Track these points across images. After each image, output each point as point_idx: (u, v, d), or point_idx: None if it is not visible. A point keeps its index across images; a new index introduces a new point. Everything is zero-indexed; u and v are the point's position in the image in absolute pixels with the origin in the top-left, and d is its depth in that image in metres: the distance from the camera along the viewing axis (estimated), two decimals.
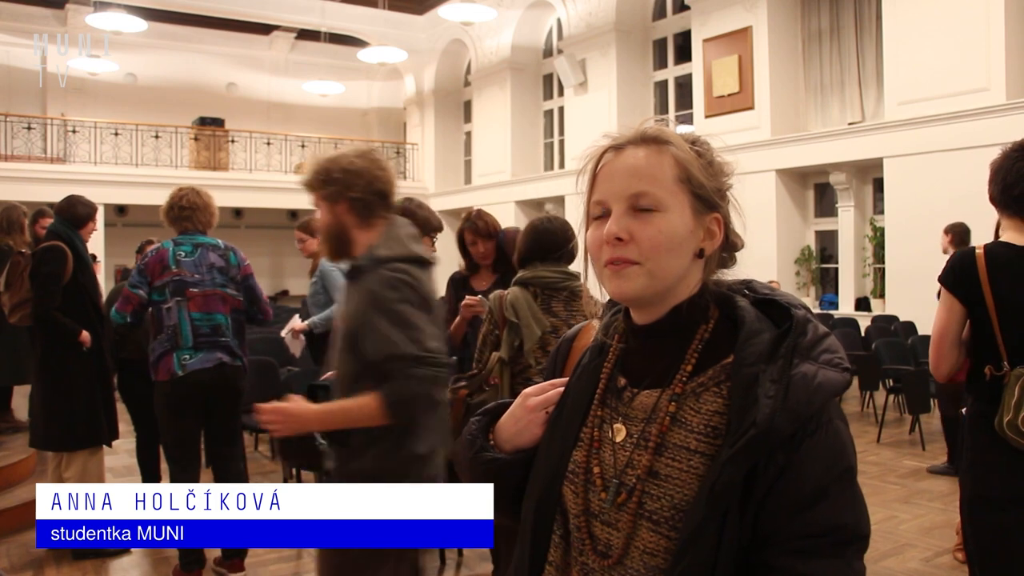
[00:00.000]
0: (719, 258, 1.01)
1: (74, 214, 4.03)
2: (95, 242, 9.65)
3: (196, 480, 3.58)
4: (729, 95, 10.92)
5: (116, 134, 15.14)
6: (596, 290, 1.05)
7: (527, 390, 1.10)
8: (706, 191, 0.97)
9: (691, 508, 0.89)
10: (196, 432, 3.60)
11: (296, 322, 4.78)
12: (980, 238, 2.60)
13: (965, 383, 2.37)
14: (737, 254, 1.03)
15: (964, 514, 2.34)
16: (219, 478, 3.70)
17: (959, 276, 2.26)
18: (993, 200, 2.32)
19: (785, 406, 0.87)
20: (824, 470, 0.88)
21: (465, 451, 1.11)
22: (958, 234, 6.38)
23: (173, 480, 3.58)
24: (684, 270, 0.97)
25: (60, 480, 3.94)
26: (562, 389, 1.08)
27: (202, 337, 3.46)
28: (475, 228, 3.48)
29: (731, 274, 1.03)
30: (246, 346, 3.68)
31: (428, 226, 3.17)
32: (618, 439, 0.99)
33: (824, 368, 0.90)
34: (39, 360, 3.94)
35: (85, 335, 3.83)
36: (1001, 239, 2.30)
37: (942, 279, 2.31)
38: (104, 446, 4.07)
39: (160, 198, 3.84)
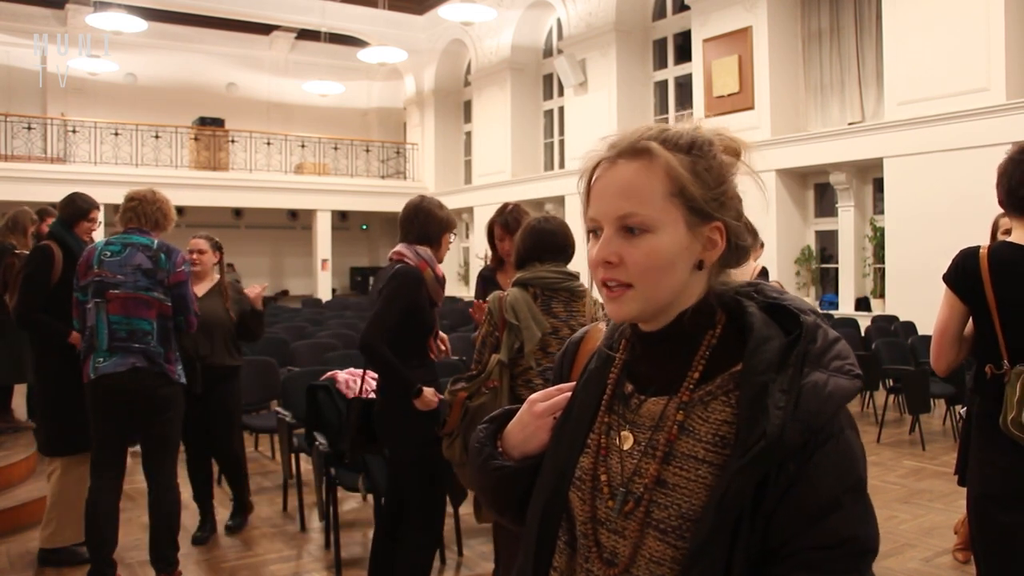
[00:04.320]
0: (724, 261, 0.98)
1: (70, 211, 3.93)
2: None
3: (113, 490, 3.43)
4: (729, 95, 10.91)
5: (116, 134, 15.15)
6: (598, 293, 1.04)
7: (533, 396, 1.09)
8: (700, 203, 0.93)
9: (700, 519, 0.88)
10: (115, 438, 3.42)
11: None
12: (981, 239, 2.62)
13: (972, 384, 2.40)
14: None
15: (971, 513, 2.36)
16: (150, 503, 3.49)
17: (961, 274, 2.30)
18: (1002, 203, 2.37)
19: (796, 416, 0.85)
20: (836, 481, 0.86)
21: (473, 459, 1.11)
22: None
23: (90, 488, 3.44)
24: (682, 284, 0.95)
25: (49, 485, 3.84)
26: (569, 394, 1.07)
27: (118, 341, 3.28)
28: (505, 224, 3.43)
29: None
30: (171, 352, 3.42)
31: (449, 225, 3.17)
32: (625, 447, 0.97)
33: (835, 376, 0.88)
34: (34, 362, 3.85)
35: (75, 336, 3.61)
36: (1008, 240, 2.34)
37: (946, 277, 2.35)
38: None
39: None
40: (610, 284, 0.94)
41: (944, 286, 2.36)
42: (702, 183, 0.94)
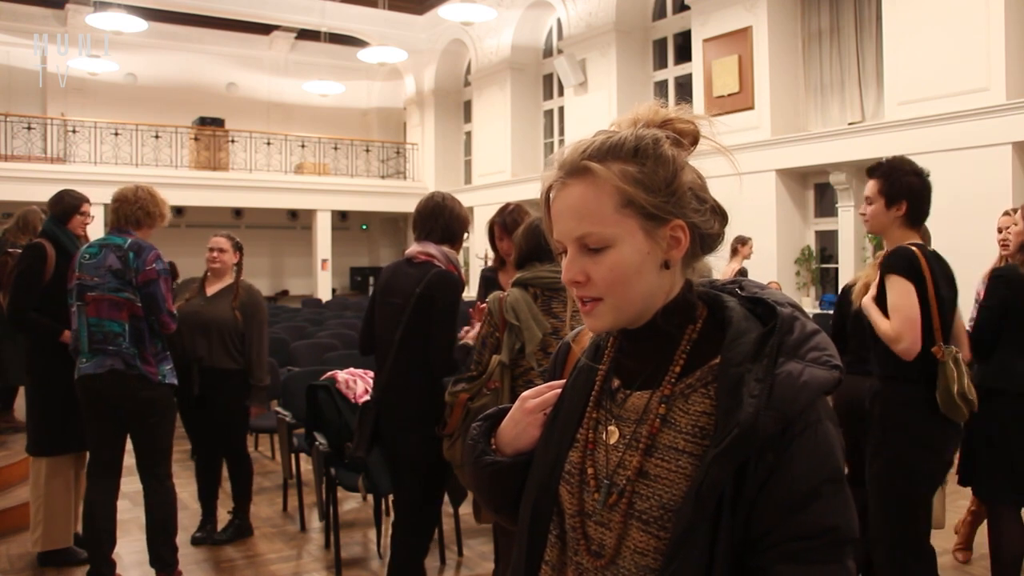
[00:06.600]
0: (693, 252, 0.98)
1: (61, 208, 3.89)
2: None
3: (111, 490, 3.46)
4: (729, 95, 10.91)
5: (116, 134, 15.14)
6: None
7: (525, 393, 1.12)
8: (652, 208, 0.94)
9: (680, 509, 0.89)
10: (108, 438, 3.43)
11: None
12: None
13: (896, 372, 2.67)
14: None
15: (896, 483, 2.81)
16: (145, 505, 3.52)
17: (914, 267, 2.59)
18: (906, 217, 2.66)
19: (770, 405, 0.86)
20: (814, 470, 0.87)
21: (467, 456, 1.13)
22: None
23: (88, 488, 3.47)
24: (652, 287, 0.96)
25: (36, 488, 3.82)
26: (559, 391, 1.09)
27: (96, 343, 3.32)
28: (504, 224, 3.41)
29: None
30: (148, 353, 3.37)
31: (468, 223, 3.18)
32: (611, 441, 1.00)
33: (811, 366, 0.89)
34: (26, 360, 3.82)
35: (67, 334, 3.58)
36: (906, 244, 2.65)
37: (901, 270, 2.60)
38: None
39: None
40: (584, 300, 0.97)
41: (898, 279, 2.61)
42: (650, 189, 0.94)
